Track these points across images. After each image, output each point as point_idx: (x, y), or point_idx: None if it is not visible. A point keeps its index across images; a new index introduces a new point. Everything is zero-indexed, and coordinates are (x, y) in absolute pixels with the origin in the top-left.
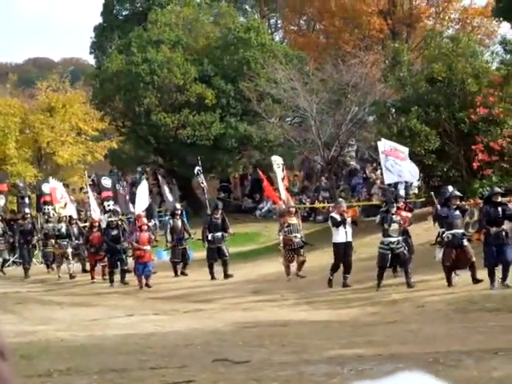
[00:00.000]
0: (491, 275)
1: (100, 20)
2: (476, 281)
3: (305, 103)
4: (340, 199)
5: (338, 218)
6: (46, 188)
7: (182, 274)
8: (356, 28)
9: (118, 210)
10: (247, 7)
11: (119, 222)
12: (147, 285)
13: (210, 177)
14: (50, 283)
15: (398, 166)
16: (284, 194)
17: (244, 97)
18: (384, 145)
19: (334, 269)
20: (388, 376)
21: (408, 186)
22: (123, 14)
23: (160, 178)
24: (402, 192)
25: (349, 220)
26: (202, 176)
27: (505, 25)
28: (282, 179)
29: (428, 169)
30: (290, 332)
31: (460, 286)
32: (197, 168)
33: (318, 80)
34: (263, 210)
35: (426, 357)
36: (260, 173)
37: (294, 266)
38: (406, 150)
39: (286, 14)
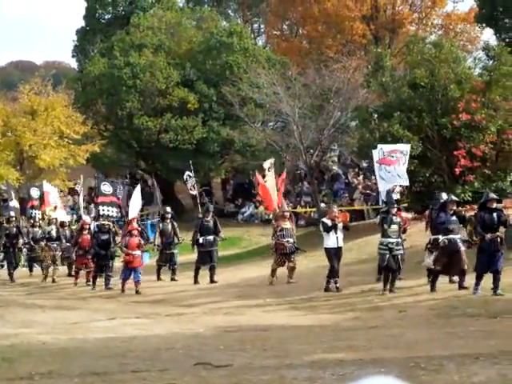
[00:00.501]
0: (478, 281)
1: (82, 23)
2: (462, 288)
3: (287, 108)
4: (332, 204)
5: (329, 223)
6: (34, 192)
7: (172, 279)
8: (339, 33)
9: (114, 214)
10: (230, 12)
11: (111, 227)
12: (137, 291)
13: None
14: (33, 286)
15: (388, 172)
16: (277, 197)
17: (226, 101)
18: (378, 153)
19: (333, 274)
20: (354, 381)
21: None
22: (106, 17)
23: (154, 181)
24: (394, 196)
25: (340, 225)
26: (193, 179)
27: (487, 31)
28: (276, 183)
29: (410, 174)
30: (272, 336)
31: (441, 291)
32: (186, 173)
33: (301, 85)
34: (245, 215)
35: (408, 361)
36: (257, 176)
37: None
38: (406, 147)
39: (268, 18)
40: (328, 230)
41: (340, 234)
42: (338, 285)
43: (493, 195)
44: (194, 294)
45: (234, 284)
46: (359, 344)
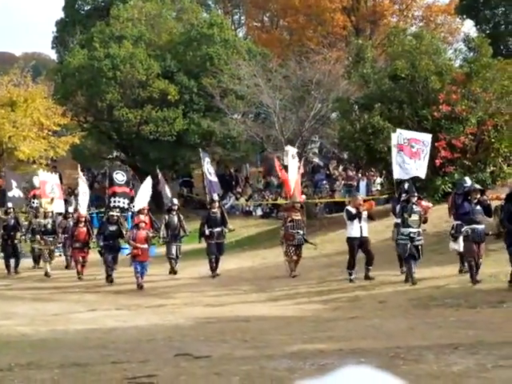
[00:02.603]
0: None
1: (62, 15)
2: (475, 282)
3: (268, 100)
4: (357, 192)
5: (354, 211)
6: (36, 181)
7: (170, 272)
8: (319, 25)
9: (126, 206)
10: (210, 3)
11: (119, 218)
12: (140, 285)
13: (171, 173)
14: (13, 278)
15: (407, 164)
16: (293, 187)
17: (207, 93)
18: (398, 137)
19: (351, 266)
20: (332, 371)
21: (370, 182)
22: (85, 8)
23: (159, 172)
24: (405, 186)
25: (365, 214)
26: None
27: (468, 22)
28: (298, 171)
29: (391, 166)
30: (252, 327)
31: (421, 282)
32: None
33: (282, 76)
34: (226, 206)
35: (387, 351)
36: (276, 161)
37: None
38: (427, 137)
39: (249, 10)
40: (352, 218)
41: (364, 224)
42: (368, 272)
43: None
44: (175, 285)
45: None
46: (339, 334)
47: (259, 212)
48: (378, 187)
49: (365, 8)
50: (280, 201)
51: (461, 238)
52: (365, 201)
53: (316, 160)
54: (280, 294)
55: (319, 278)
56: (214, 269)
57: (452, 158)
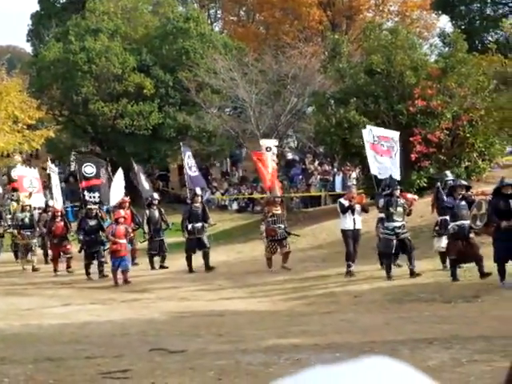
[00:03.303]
0: (501, 271)
1: (37, 7)
2: (484, 275)
3: (244, 94)
4: (350, 184)
5: (346, 203)
6: (14, 174)
7: (162, 267)
8: (296, 19)
9: (97, 200)
10: None
11: (98, 212)
12: (125, 280)
13: (148, 166)
14: None
15: (380, 163)
16: (270, 180)
17: (183, 87)
18: (368, 134)
19: (349, 258)
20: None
21: (346, 177)
22: (61, 1)
23: (135, 165)
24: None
25: (358, 207)
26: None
27: (443, 18)
28: (273, 164)
29: (366, 160)
30: (227, 322)
31: (395, 276)
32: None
33: (258, 71)
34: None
35: (362, 346)
36: (253, 154)
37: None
38: (395, 134)
39: (225, 4)
40: (344, 210)
41: (357, 216)
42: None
43: (509, 180)
44: (149, 279)
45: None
46: (314, 329)
47: (235, 206)
48: (354, 182)
49: (341, 3)
50: (255, 195)
51: (445, 236)
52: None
53: (291, 154)
54: (255, 288)
55: (294, 272)
56: (206, 263)
57: (427, 153)
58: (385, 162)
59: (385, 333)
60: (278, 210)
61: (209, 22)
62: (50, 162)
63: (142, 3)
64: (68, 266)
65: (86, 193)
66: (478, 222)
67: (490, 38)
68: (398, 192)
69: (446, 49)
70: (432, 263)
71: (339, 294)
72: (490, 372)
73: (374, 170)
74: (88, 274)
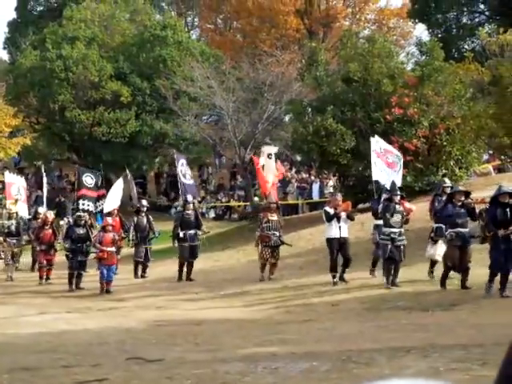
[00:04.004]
0: (491, 279)
1: (14, 15)
2: (465, 288)
3: (221, 102)
4: (336, 192)
5: (332, 211)
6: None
7: (142, 276)
8: (273, 27)
9: (92, 209)
10: (164, 5)
11: (87, 220)
12: (107, 290)
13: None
14: None
15: (386, 172)
16: (269, 187)
17: (160, 94)
18: (375, 144)
19: (333, 268)
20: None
21: (323, 185)
22: (38, 9)
23: (128, 173)
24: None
25: (343, 215)
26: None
27: (420, 26)
28: (275, 172)
29: (343, 168)
30: (204, 330)
31: (374, 285)
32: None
33: (235, 79)
34: (178, 208)
35: (339, 355)
36: (255, 159)
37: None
38: (399, 155)
39: (202, 12)
40: (330, 218)
41: (343, 224)
42: (343, 274)
43: (506, 189)
44: (127, 288)
45: (166, 278)
46: (291, 338)
47: (212, 214)
48: (331, 189)
49: (318, 11)
50: (232, 203)
51: (439, 243)
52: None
53: None
54: (232, 297)
55: (272, 280)
56: (188, 273)
57: (404, 161)
58: (390, 173)
59: (362, 341)
60: (273, 217)
61: (186, 29)
62: (43, 171)
63: (120, 11)
64: (47, 277)
65: (80, 201)
66: (487, 233)
67: (466, 47)
68: (397, 198)
69: (423, 57)
70: (409, 272)
71: (317, 302)
72: (468, 381)
73: (377, 175)
74: (71, 283)
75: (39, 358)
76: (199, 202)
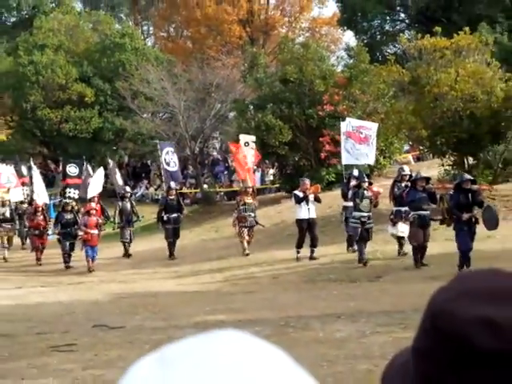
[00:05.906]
0: (466, 261)
1: None
2: (422, 264)
3: (174, 101)
4: (304, 178)
5: (301, 194)
6: None
7: (124, 255)
8: (219, 35)
9: (76, 196)
10: (122, 15)
11: (73, 206)
12: (89, 268)
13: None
14: None
15: (357, 150)
16: (245, 172)
17: (120, 95)
18: (347, 125)
19: (299, 245)
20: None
21: (264, 173)
22: (11, 20)
23: (111, 163)
24: (355, 173)
25: (311, 197)
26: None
27: (348, 33)
28: (252, 158)
29: (281, 158)
30: (161, 301)
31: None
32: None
33: (186, 80)
34: (137, 195)
35: (279, 321)
36: (231, 146)
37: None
38: (374, 125)
39: (156, 21)
40: (299, 201)
41: (312, 206)
42: (313, 254)
43: (467, 176)
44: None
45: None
46: (238, 307)
47: None
48: (271, 177)
49: (258, 20)
50: (185, 190)
51: (399, 223)
52: (311, 185)
53: (216, 154)
54: (185, 271)
55: (220, 257)
56: (171, 251)
57: (335, 152)
58: (361, 149)
59: (300, 309)
60: (249, 199)
61: (142, 37)
62: (32, 163)
63: (84, 21)
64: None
65: (67, 189)
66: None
67: (389, 51)
68: (365, 184)
69: (351, 60)
70: (340, 248)
71: (260, 276)
72: (391, 342)
73: (345, 160)
74: (65, 262)
75: (15, 326)
76: (155, 190)
